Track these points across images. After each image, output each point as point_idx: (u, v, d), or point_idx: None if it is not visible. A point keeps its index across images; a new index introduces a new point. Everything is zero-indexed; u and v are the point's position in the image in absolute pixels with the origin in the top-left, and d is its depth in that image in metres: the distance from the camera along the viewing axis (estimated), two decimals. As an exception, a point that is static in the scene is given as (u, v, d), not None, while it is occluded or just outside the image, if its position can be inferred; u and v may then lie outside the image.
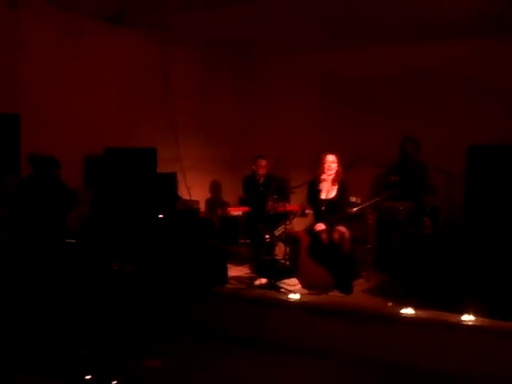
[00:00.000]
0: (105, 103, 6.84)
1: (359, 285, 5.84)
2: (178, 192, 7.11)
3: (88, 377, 4.31)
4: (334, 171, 5.85)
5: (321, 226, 5.74)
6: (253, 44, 8.08)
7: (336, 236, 5.58)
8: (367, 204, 6.12)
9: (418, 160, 6.93)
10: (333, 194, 5.88)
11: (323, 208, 5.80)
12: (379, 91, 7.85)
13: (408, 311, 4.83)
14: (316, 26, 7.08)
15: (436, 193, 6.59)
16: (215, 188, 8.36)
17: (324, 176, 5.83)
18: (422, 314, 4.81)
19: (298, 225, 6.91)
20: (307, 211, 6.43)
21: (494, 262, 4.74)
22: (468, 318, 4.61)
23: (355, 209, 5.94)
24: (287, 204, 6.53)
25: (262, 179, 7.24)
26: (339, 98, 8.16)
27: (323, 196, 5.89)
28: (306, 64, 8.34)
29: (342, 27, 7.10)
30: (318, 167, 5.88)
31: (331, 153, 5.87)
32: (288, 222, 6.52)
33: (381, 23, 6.92)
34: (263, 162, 7.21)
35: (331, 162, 5.85)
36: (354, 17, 6.69)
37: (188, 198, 7.21)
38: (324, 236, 5.66)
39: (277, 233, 6.44)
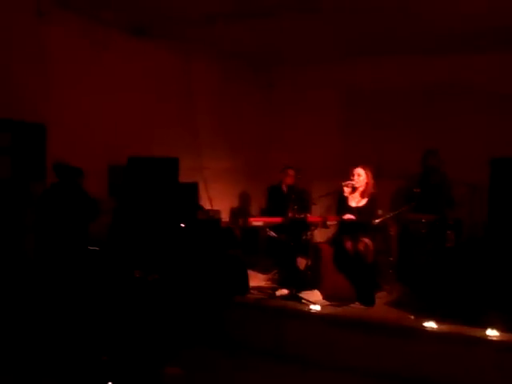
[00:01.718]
0: (128, 113, 6.92)
1: (381, 297, 5.81)
2: (200, 202, 7.15)
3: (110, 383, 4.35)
4: (360, 184, 5.92)
5: (350, 216, 5.79)
6: (275, 55, 8.14)
7: (361, 246, 5.61)
8: (389, 215, 6.09)
9: (440, 173, 6.89)
10: (362, 203, 5.95)
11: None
12: (400, 103, 7.87)
13: (431, 325, 4.79)
14: (336, 38, 7.14)
15: (456, 206, 6.54)
16: (241, 198, 8.40)
17: (343, 185, 5.88)
18: (445, 327, 4.76)
19: (319, 236, 6.92)
20: (328, 222, 6.44)
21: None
22: (492, 332, 4.55)
23: (377, 220, 5.92)
24: (308, 215, 6.55)
25: (286, 189, 7.26)
26: (360, 109, 8.20)
27: (353, 204, 5.95)
28: (326, 76, 8.37)
29: (363, 40, 7.17)
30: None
31: (360, 166, 5.96)
32: (310, 233, 6.52)
33: (402, 35, 6.96)
34: (291, 172, 7.25)
35: (357, 174, 5.93)
36: (375, 29, 6.74)
37: (210, 207, 7.25)
38: (349, 245, 5.69)
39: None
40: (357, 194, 6.00)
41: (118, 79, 6.87)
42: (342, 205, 5.98)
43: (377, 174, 6.14)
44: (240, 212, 8.09)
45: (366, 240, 5.69)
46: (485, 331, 4.57)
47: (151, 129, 7.14)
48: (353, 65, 8.09)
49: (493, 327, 4.57)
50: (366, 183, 5.94)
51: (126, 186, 6.47)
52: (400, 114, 7.88)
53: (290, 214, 6.34)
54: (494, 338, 4.52)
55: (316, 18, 6.30)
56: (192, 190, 7.02)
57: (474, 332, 4.63)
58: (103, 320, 5.13)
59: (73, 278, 5.26)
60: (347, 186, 5.92)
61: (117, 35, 6.89)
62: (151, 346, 5.08)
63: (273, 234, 6.78)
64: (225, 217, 7.83)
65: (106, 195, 6.49)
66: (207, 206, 7.28)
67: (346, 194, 5.93)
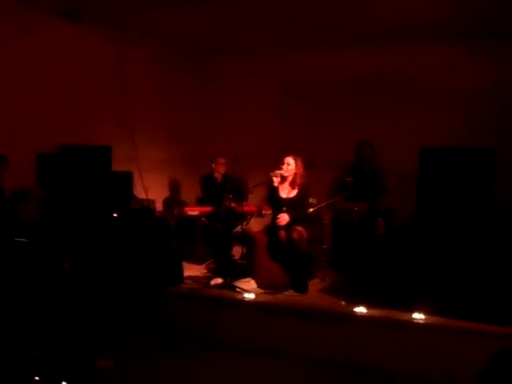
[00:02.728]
0: (59, 100, 6.68)
1: (315, 284, 5.89)
2: (134, 191, 7.01)
3: (37, 378, 4.21)
4: (289, 173, 5.87)
5: (284, 219, 5.72)
6: (211, 44, 8.08)
7: (295, 235, 5.62)
8: (323, 204, 6.17)
9: (373, 162, 7.06)
10: (293, 194, 5.91)
11: (283, 207, 5.82)
12: (336, 95, 8.00)
13: (361, 310, 4.90)
14: (275, 28, 7.13)
15: (388, 194, 6.71)
16: (173, 187, 8.30)
17: (272, 175, 5.83)
18: (375, 312, 4.88)
19: (255, 226, 6.93)
20: (264, 212, 6.45)
21: (443, 261, 4.86)
22: (419, 316, 4.70)
23: (311, 209, 5.98)
24: (244, 204, 6.56)
25: (220, 178, 7.23)
26: (296, 100, 8.26)
27: (283, 195, 5.92)
28: (264, 65, 8.38)
29: (301, 30, 7.18)
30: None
31: (290, 155, 5.89)
32: (245, 223, 6.53)
33: (337, 27, 7.04)
34: (222, 160, 7.23)
35: (286, 162, 5.88)
36: (312, 20, 6.77)
37: (145, 197, 7.13)
38: (283, 234, 5.69)
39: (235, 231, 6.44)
40: (287, 185, 5.92)
41: (48, 65, 6.60)
42: (273, 196, 5.92)
43: (313, 164, 6.17)
44: (175, 201, 8.02)
45: (300, 229, 5.69)
46: (412, 315, 4.73)
47: (84, 117, 6.92)
48: (289, 55, 8.15)
49: (420, 311, 4.72)
50: (295, 173, 5.86)
51: (57, 175, 6.27)
52: (335, 105, 8.01)
53: (225, 203, 6.33)
54: (421, 322, 4.68)
55: (249, 4, 6.24)
56: (126, 179, 6.85)
57: (403, 316, 4.77)
58: (33, 314, 4.96)
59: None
60: (276, 176, 5.83)
61: (48, 18, 6.61)
62: (83, 339, 4.95)
63: (207, 222, 6.75)
64: (160, 206, 7.75)
65: (35, 184, 6.26)
66: (142, 196, 7.15)
67: (275, 184, 5.86)
